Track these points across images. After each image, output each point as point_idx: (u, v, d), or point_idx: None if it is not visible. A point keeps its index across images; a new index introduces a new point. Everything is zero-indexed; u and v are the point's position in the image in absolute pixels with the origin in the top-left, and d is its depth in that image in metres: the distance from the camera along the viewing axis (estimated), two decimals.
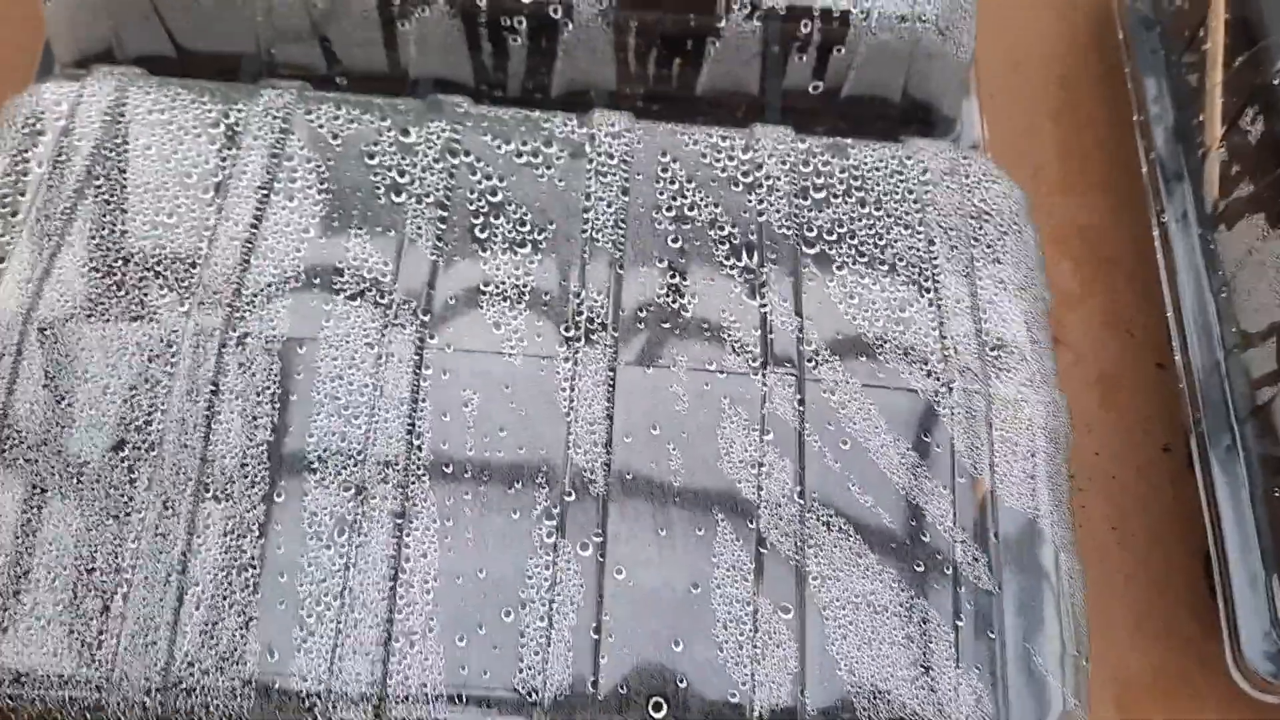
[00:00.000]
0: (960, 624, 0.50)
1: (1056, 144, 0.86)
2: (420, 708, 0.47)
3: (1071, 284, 0.82)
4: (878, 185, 0.59)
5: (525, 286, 0.54)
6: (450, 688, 0.47)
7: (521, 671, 0.48)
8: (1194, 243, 0.72)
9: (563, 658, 0.48)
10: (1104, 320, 0.80)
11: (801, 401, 0.53)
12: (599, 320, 0.54)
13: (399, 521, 0.49)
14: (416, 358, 0.52)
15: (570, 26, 0.65)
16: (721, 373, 0.53)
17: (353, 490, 0.49)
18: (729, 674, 0.49)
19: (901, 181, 0.60)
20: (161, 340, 0.51)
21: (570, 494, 0.50)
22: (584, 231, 0.56)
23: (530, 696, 0.48)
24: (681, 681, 0.48)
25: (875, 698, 0.49)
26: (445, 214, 0.55)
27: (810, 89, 0.69)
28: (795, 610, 0.49)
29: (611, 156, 0.59)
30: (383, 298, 0.53)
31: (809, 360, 0.54)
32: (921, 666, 0.49)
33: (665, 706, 0.48)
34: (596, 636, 0.49)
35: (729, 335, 0.54)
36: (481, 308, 0.53)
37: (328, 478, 0.49)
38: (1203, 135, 0.73)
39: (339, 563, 0.48)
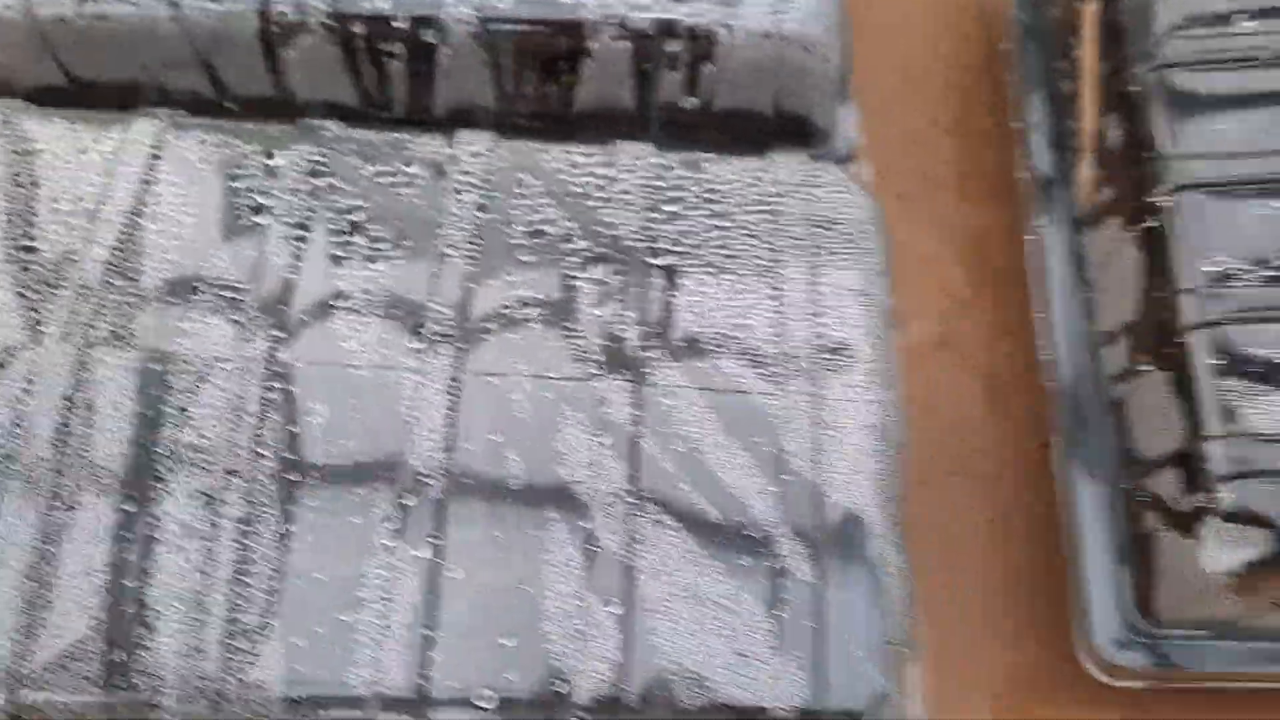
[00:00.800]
0: (781, 614, 0.52)
1: (948, 153, 0.89)
2: (257, 704, 0.49)
3: (963, 290, 0.84)
4: (729, 197, 0.62)
5: (376, 300, 0.57)
6: (287, 685, 0.50)
7: (356, 668, 0.50)
8: (1067, 247, 0.74)
9: (396, 655, 0.51)
10: (992, 324, 0.82)
11: (638, 405, 0.55)
12: (446, 331, 0.56)
13: (244, 528, 0.51)
14: (267, 370, 0.54)
15: (445, 50, 0.68)
16: (563, 379, 0.56)
17: (202, 499, 0.52)
18: (555, 665, 0.51)
19: (754, 193, 0.62)
20: (24, 357, 0.54)
21: (410, 497, 0.53)
22: (437, 246, 0.59)
23: (363, 693, 0.50)
24: (510, 675, 0.51)
25: (695, 685, 0.51)
26: (304, 233, 0.58)
27: (685, 105, 0.71)
28: (622, 603, 0.52)
29: (470, 174, 0.61)
30: (238, 314, 0.56)
31: (646, 366, 0.57)
32: (741, 654, 0.52)
33: (494, 699, 0.51)
34: (429, 633, 0.51)
35: (572, 343, 0.57)
36: (333, 321, 0.56)
37: (177, 487, 0.52)
38: (1075, 142, 0.75)
39: (187, 567, 0.51)
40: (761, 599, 0.53)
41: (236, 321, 0.56)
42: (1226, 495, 0.58)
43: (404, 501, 0.53)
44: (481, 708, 0.50)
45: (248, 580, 0.51)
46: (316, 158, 0.61)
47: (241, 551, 0.51)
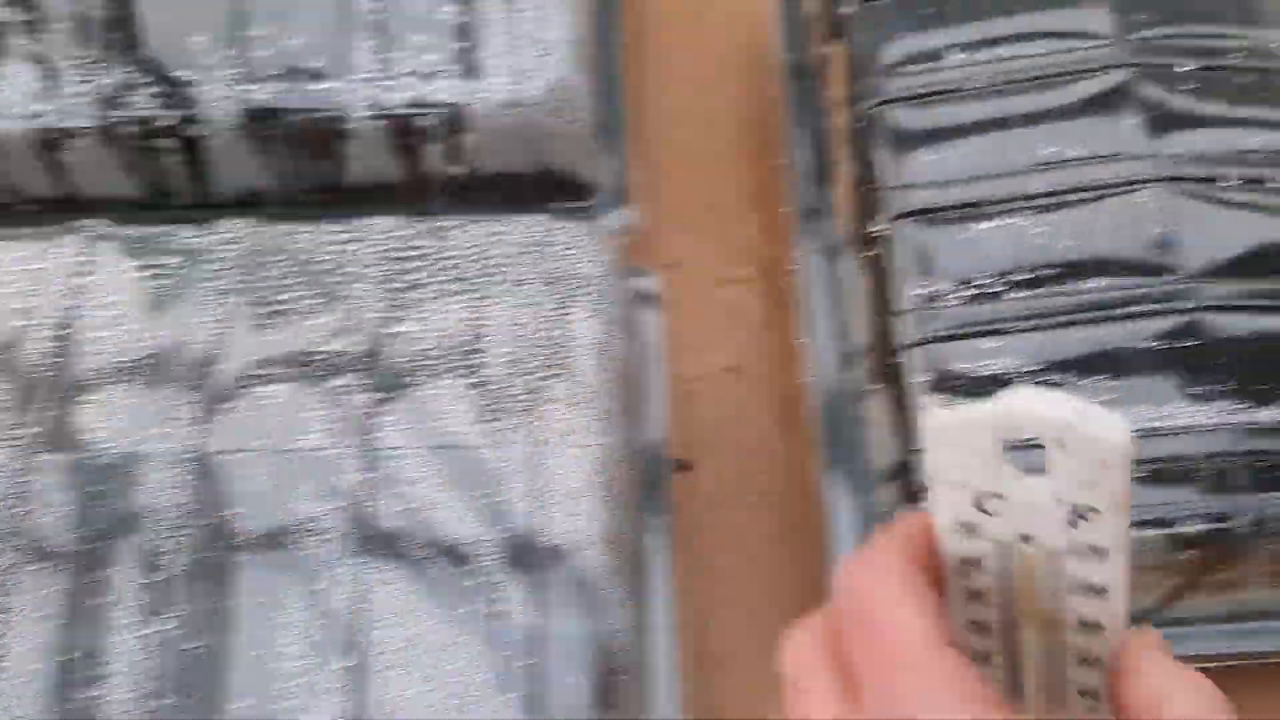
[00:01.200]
0: (504, 654, 0.56)
1: (738, 187, 0.93)
2: None
3: (755, 317, 0.88)
4: (470, 263, 0.67)
5: (117, 422, 0.62)
6: None
7: None
8: (825, 275, 0.78)
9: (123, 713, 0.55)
10: (782, 349, 0.87)
11: (369, 468, 0.60)
12: (191, 410, 0.61)
13: None
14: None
15: (215, 141, 0.73)
16: (294, 453, 0.60)
17: None
18: None
19: (490, 257, 0.67)
20: None
21: (144, 574, 0.57)
22: (186, 321, 0.63)
23: None
24: None
25: None
26: (63, 333, 0.63)
27: (451, 172, 0.76)
28: (352, 660, 0.56)
29: (224, 261, 0.66)
30: None
31: (379, 430, 0.61)
32: (463, 698, 0.56)
33: None
34: (155, 704, 0.55)
35: (311, 412, 0.61)
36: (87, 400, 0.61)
37: None
38: (830, 176, 0.80)
39: None
40: (485, 641, 0.57)
41: None
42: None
43: (140, 578, 0.57)
44: None
45: None
46: (77, 259, 0.65)
47: None
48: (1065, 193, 0.68)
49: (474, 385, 0.63)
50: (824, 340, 0.77)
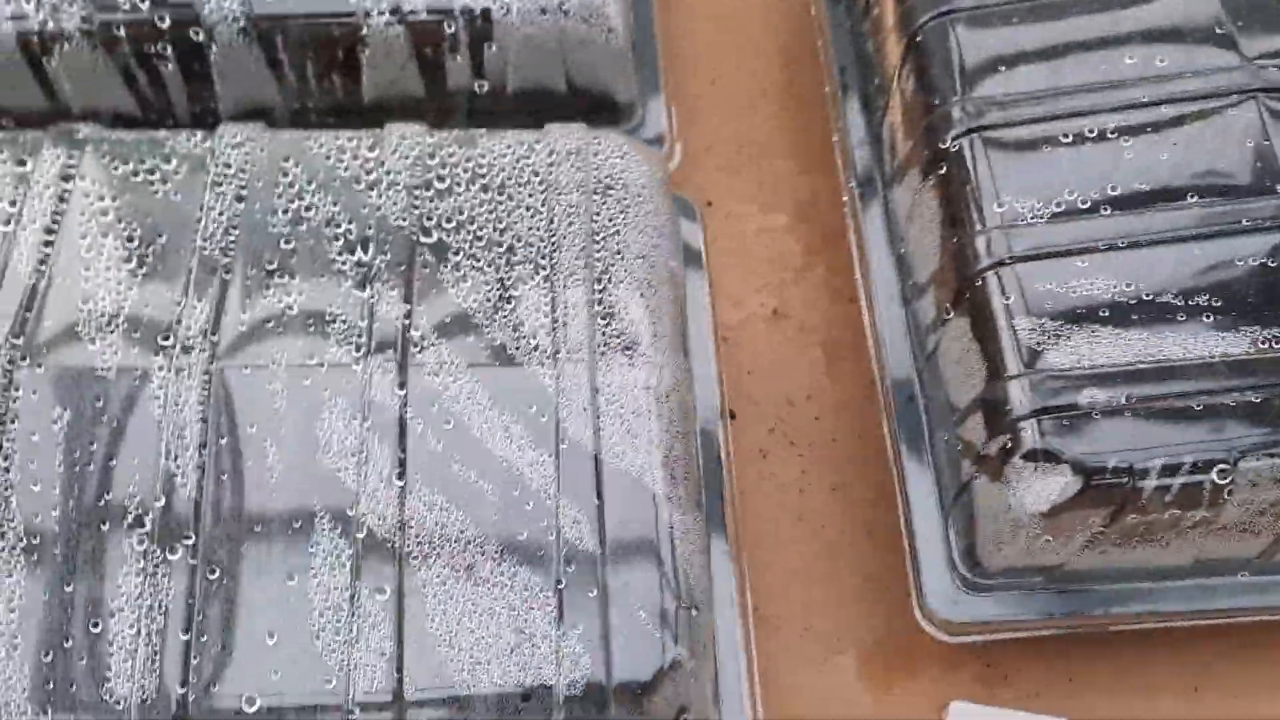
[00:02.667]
0: (561, 587, 0.50)
1: (776, 123, 0.88)
2: None
3: (796, 258, 0.83)
4: (503, 171, 0.60)
5: (125, 302, 0.54)
6: (36, 705, 0.47)
7: (110, 681, 0.48)
8: (880, 205, 0.73)
9: (151, 662, 0.48)
10: (827, 290, 0.81)
11: (403, 385, 0.53)
12: (199, 327, 0.54)
13: None
14: (5, 380, 0.52)
15: (215, 49, 0.66)
16: (323, 366, 0.53)
17: None
18: (324, 661, 0.49)
19: (527, 165, 0.60)
20: None
21: (160, 499, 0.50)
22: (193, 242, 0.56)
23: (118, 705, 0.47)
24: (275, 674, 0.48)
25: (475, 669, 0.49)
26: (50, 238, 0.56)
27: (476, 88, 0.70)
28: (393, 592, 0.50)
29: (230, 166, 0.59)
30: None
31: (414, 345, 0.55)
32: (522, 633, 0.50)
33: (257, 702, 0.48)
34: (186, 638, 0.49)
35: (333, 329, 0.55)
36: (79, 327, 0.54)
37: None
38: (880, 99, 0.74)
39: None
40: (541, 573, 0.51)
41: None
42: (1027, 435, 0.57)
43: (155, 503, 0.50)
44: (245, 713, 0.48)
45: None
46: (66, 162, 0.58)
47: None
48: (1153, 105, 0.63)
49: (515, 300, 0.57)
50: (882, 274, 0.71)
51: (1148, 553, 0.61)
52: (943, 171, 0.65)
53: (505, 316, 0.56)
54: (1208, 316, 0.58)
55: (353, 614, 0.49)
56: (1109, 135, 0.62)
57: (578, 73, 0.69)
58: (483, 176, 0.60)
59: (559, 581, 0.50)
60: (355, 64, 0.67)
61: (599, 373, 0.54)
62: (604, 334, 0.56)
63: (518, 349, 0.55)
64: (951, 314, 0.63)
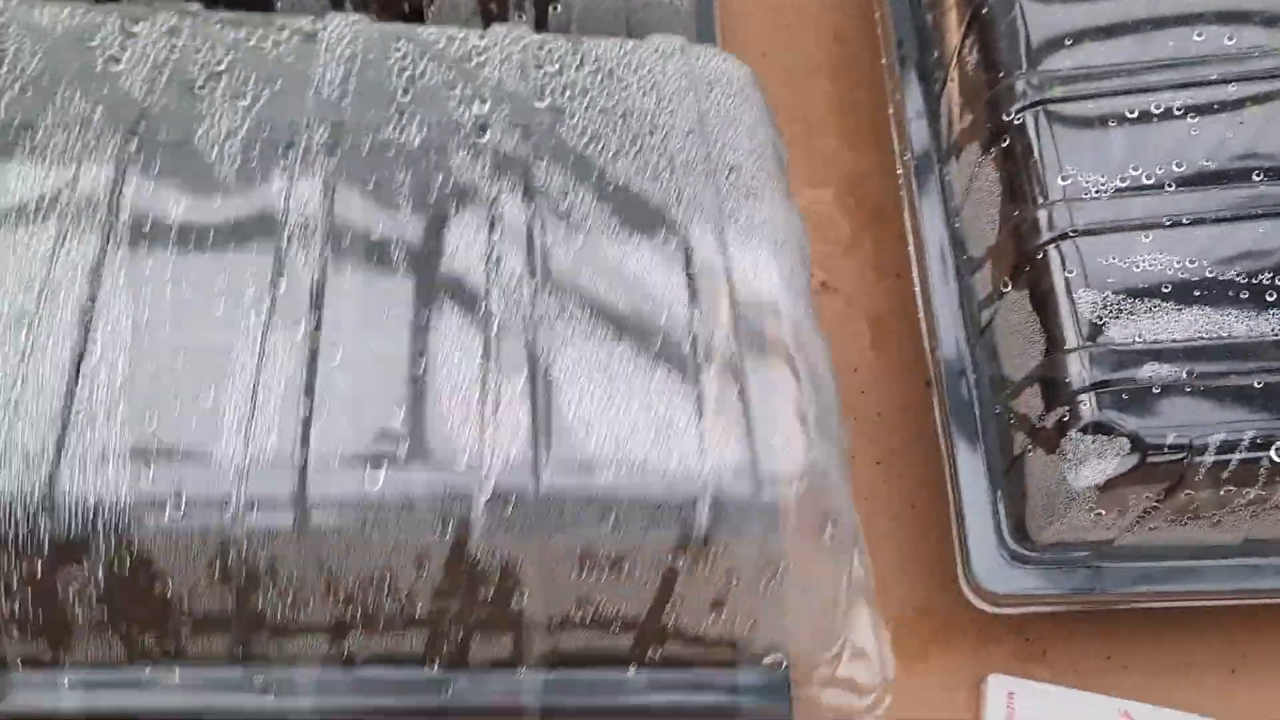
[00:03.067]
0: (702, 386, 0.49)
1: (831, 98, 0.88)
2: (100, 473, 0.44)
3: (844, 232, 0.83)
4: (610, 58, 0.60)
5: (241, 125, 0.53)
6: (137, 455, 0.45)
7: (222, 441, 0.45)
8: (935, 179, 0.73)
9: (268, 424, 0.46)
10: (874, 265, 0.81)
11: (530, 201, 0.53)
12: (319, 144, 0.53)
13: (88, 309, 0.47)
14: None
15: None
16: (447, 187, 0.53)
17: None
18: (456, 435, 0.46)
19: (633, 56, 0.60)
20: None
21: (282, 274, 0.49)
22: (309, 86, 0.55)
23: (232, 461, 0.45)
24: (403, 442, 0.46)
25: (617, 450, 0.47)
26: (161, 73, 0.55)
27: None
28: (528, 378, 0.48)
29: (343, 37, 0.58)
30: (88, 132, 0.52)
31: (536, 170, 0.54)
32: (665, 423, 0.48)
33: (385, 466, 0.46)
34: (309, 401, 0.46)
35: (457, 158, 0.54)
36: (194, 144, 0.53)
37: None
38: (939, 73, 0.74)
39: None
40: (679, 371, 0.49)
41: (89, 146, 0.51)
42: (1086, 408, 0.57)
43: (278, 276, 0.49)
44: (371, 476, 0.45)
45: (90, 353, 0.47)
46: (175, 23, 0.57)
47: (82, 331, 0.47)
48: (1221, 84, 0.63)
49: (634, 142, 0.56)
50: (935, 248, 0.71)
51: (1198, 531, 0.61)
52: (1005, 145, 0.65)
53: (626, 163, 0.55)
54: (1270, 295, 0.58)
55: (485, 395, 0.47)
56: (1175, 112, 0.62)
57: (638, 34, 0.69)
58: (592, 62, 0.59)
59: (699, 378, 0.49)
60: (420, 19, 0.67)
61: (725, 201, 0.55)
62: (726, 174, 0.56)
63: (641, 187, 0.54)
64: (1010, 287, 0.63)
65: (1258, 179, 0.61)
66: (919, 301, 0.71)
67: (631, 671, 0.55)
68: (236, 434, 0.46)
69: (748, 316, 0.53)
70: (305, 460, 0.46)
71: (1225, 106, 0.62)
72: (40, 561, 0.46)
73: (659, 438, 0.48)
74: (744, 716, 0.55)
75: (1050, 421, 0.59)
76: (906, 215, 0.74)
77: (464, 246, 0.52)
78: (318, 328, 0.49)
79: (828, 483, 0.51)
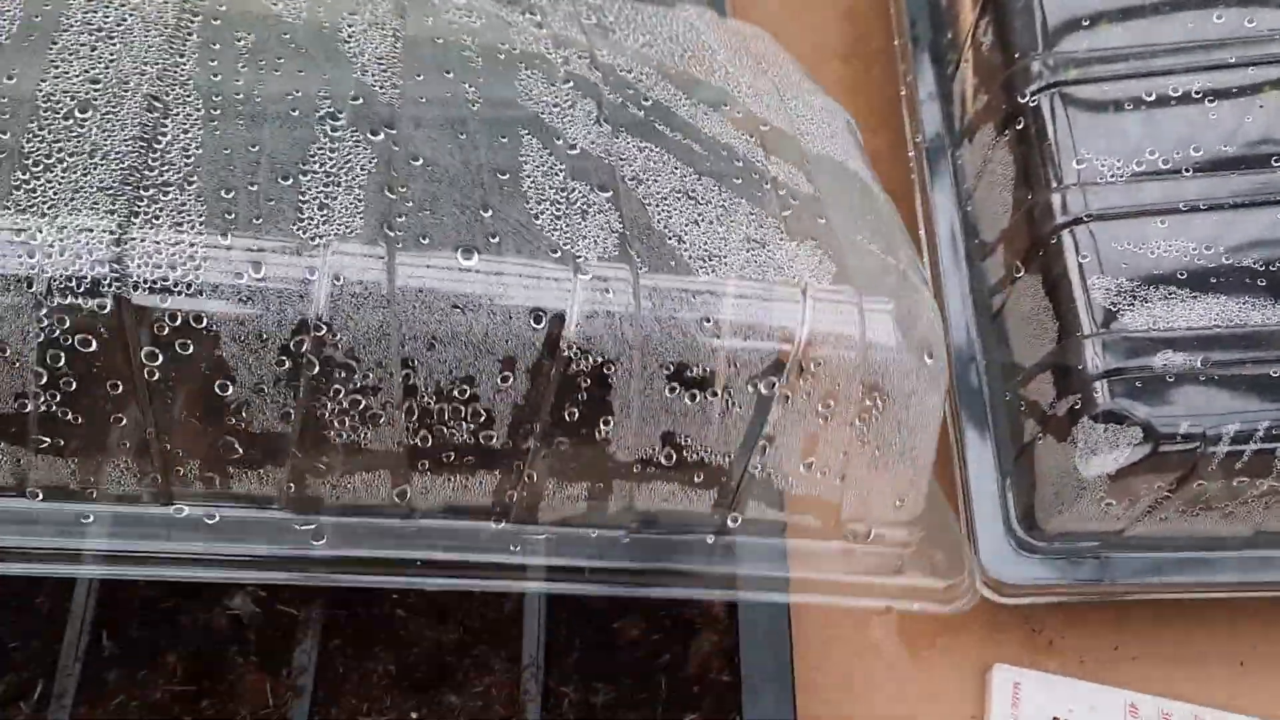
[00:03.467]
0: (785, 213, 0.49)
1: (842, 79, 0.87)
2: (170, 253, 0.41)
3: None
4: (652, 15, 0.61)
5: None
6: (209, 234, 0.42)
7: (300, 222, 0.43)
8: (947, 162, 0.72)
9: (349, 210, 0.44)
10: None
11: (596, 67, 0.54)
12: (385, 7, 0.53)
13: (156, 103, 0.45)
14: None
15: None
16: (515, 48, 0.53)
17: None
18: (546, 234, 0.45)
19: (670, 17, 0.61)
20: None
21: (357, 98, 0.48)
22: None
23: (308, 232, 0.43)
24: (493, 237, 0.45)
25: (709, 260, 0.46)
26: None
27: None
28: (613, 193, 0.48)
29: None
30: None
31: (599, 40, 0.55)
32: (755, 240, 0.48)
33: (475, 255, 0.44)
34: (391, 196, 0.45)
35: (516, 36, 0.54)
36: None
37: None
38: (953, 54, 0.73)
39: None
40: (760, 203, 0.49)
41: None
42: (1098, 396, 0.56)
43: (352, 100, 0.47)
44: (462, 264, 0.44)
45: (160, 143, 0.44)
46: None
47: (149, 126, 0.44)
48: (1240, 67, 0.62)
49: (685, 55, 0.58)
50: (946, 231, 0.70)
51: (1209, 522, 0.60)
52: (1019, 127, 0.63)
53: (683, 56, 0.57)
54: None
55: (570, 203, 0.46)
56: (1193, 96, 0.61)
57: None
58: (635, 13, 0.60)
59: (783, 211, 0.49)
60: None
61: (785, 92, 0.58)
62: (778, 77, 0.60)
63: (699, 74, 0.56)
64: (1022, 272, 0.62)
65: (1276, 164, 0.59)
66: (933, 291, 0.70)
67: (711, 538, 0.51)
68: (316, 220, 0.43)
69: (821, 163, 0.54)
70: (392, 247, 0.43)
71: (1244, 90, 0.61)
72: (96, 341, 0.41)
73: (751, 256, 0.46)
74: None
75: (1061, 409, 0.58)
76: (917, 198, 0.73)
77: (537, 91, 0.51)
78: (395, 142, 0.46)
79: (922, 315, 0.50)
